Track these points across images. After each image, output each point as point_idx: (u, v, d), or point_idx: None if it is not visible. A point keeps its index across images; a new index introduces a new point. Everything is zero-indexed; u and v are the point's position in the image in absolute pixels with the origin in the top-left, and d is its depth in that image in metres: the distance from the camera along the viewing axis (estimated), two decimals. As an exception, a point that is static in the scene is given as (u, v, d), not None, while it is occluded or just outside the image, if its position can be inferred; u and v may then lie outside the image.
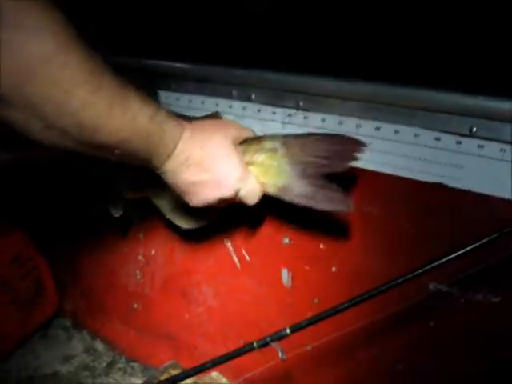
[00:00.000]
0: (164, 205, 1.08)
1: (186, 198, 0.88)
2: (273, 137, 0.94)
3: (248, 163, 0.91)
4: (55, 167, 1.17)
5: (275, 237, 1.12)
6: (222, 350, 0.92)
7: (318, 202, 0.92)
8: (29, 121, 0.63)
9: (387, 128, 0.96)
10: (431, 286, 0.95)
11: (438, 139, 0.92)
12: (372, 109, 0.97)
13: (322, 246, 1.06)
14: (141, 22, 1.28)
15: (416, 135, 0.93)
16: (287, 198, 0.93)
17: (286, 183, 0.92)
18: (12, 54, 0.56)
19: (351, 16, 1.03)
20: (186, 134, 0.83)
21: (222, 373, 1.26)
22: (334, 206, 0.93)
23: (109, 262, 1.46)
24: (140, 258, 1.38)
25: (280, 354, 0.80)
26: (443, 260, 0.80)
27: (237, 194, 0.88)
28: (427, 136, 0.92)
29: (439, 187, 0.92)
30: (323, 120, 1.02)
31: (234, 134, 0.89)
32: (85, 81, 0.63)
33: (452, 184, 0.91)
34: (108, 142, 0.71)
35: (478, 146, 0.89)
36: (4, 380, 1.42)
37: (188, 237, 1.26)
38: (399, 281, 0.82)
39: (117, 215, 1.08)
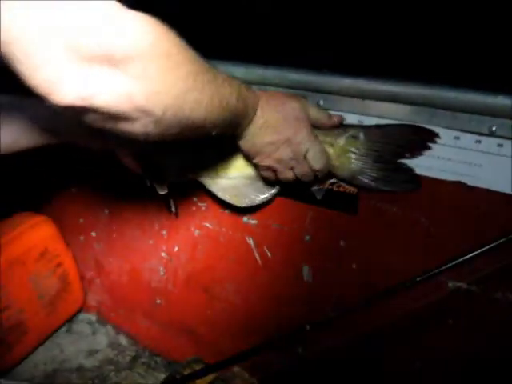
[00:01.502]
0: (217, 186, 1.11)
1: (260, 158, 0.97)
2: (356, 125, 1.00)
3: (328, 144, 0.98)
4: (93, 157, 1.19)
5: (296, 234, 1.13)
6: (243, 346, 0.94)
7: (389, 184, 0.99)
8: (148, 129, 0.67)
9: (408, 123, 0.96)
10: (450, 284, 0.96)
11: (457, 138, 0.92)
12: (392, 108, 0.97)
13: (342, 243, 1.07)
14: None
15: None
16: (357, 182, 1.00)
17: (359, 168, 0.99)
18: (137, 84, 0.60)
19: (373, 15, 1.03)
20: (262, 101, 0.91)
21: (244, 368, 1.28)
22: (404, 187, 0.98)
23: (132, 259, 1.48)
24: (163, 254, 1.40)
25: (300, 350, 0.82)
26: (462, 259, 0.81)
27: (305, 156, 0.95)
28: (447, 135, 0.93)
29: (459, 186, 0.92)
30: (344, 119, 1.02)
31: (303, 105, 0.96)
32: (194, 85, 0.68)
33: (471, 183, 0.91)
34: (210, 128, 0.77)
35: (498, 145, 0.89)
36: (31, 373, 1.45)
37: (210, 233, 1.28)
38: (419, 279, 0.83)
39: (162, 193, 1.11)
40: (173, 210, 1.23)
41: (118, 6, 0.59)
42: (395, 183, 0.98)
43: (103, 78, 0.58)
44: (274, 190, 1.09)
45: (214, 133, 0.79)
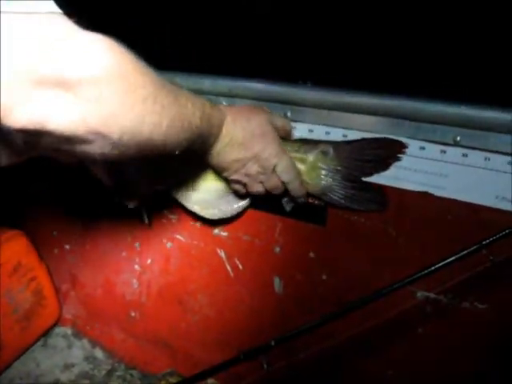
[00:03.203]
0: (188, 199, 1.10)
1: (228, 173, 0.97)
2: (326, 141, 1.00)
3: (299, 160, 0.99)
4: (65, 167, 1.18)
5: (266, 246, 1.13)
6: (218, 358, 0.94)
7: (356, 203, 0.99)
8: (105, 151, 0.66)
9: (377, 137, 0.96)
10: (419, 294, 0.96)
11: (422, 148, 0.93)
12: (358, 119, 0.98)
13: (311, 254, 1.08)
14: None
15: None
16: (325, 198, 1.01)
17: (329, 185, 0.99)
18: (92, 107, 0.60)
19: (334, 27, 1.03)
20: (228, 119, 0.90)
21: (219, 380, 1.27)
22: (370, 207, 0.99)
23: (106, 271, 1.48)
24: (136, 267, 1.39)
25: (265, 366, 0.81)
26: (429, 269, 0.81)
27: (274, 169, 0.95)
28: (412, 145, 0.93)
29: (425, 196, 0.93)
30: (311, 130, 1.03)
31: (268, 117, 0.96)
32: (152, 109, 0.67)
33: (438, 193, 0.92)
34: (171, 149, 0.76)
35: (463, 154, 0.89)
36: (6, 389, 1.44)
37: (182, 246, 1.27)
38: (386, 290, 0.83)
39: (132, 207, 1.10)
40: (146, 221, 1.23)
41: (72, 27, 0.59)
42: (362, 202, 0.99)
43: (56, 101, 0.57)
44: (244, 203, 1.09)
45: (176, 152, 0.78)
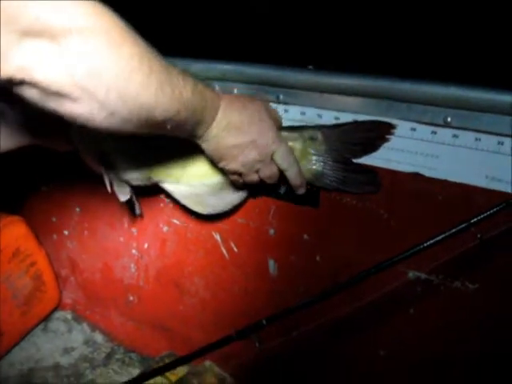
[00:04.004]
0: (180, 193, 1.10)
1: (225, 162, 0.95)
2: (313, 126, 1.00)
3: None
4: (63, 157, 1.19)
5: (261, 228, 1.14)
6: (215, 339, 0.95)
7: (349, 185, 1.00)
8: (93, 111, 0.66)
9: (364, 119, 0.97)
10: (411, 274, 0.97)
11: (413, 129, 0.94)
12: (349, 101, 0.98)
13: (305, 236, 1.09)
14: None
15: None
16: (318, 183, 1.01)
17: (321, 170, 1.00)
18: (76, 60, 0.61)
19: (324, 11, 1.04)
20: (225, 102, 0.89)
21: (215, 361, 1.29)
22: (363, 189, 1.00)
23: (105, 256, 1.49)
24: (134, 251, 1.41)
25: (257, 345, 0.82)
26: (418, 248, 0.81)
27: (271, 157, 0.94)
28: (403, 127, 0.94)
29: (417, 177, 0.93)
30: (303, 113, 1.03)
31: (265, 105, 0.95)
32: (139, 67, 0.67)
33: (429, 174, 0.92)
34: (162, 119, 0.75)
35: (453, 135, 0.90)
36: (7, 372, 1.45)
37: (178, 230, 1.28)
38: (375, 269, 0.84)
39: (124, 199, 1.11)
40: (137, 211, 1.23)
41: None
42: (356, 185, 0.99)
43: (42, 52, 0.59)
44: (236, 200, 1.10)
45: (168, 127, 0.78)
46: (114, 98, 0.65)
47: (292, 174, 0.97)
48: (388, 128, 0.94)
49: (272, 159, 0.94)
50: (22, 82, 0.60)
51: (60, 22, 0.58)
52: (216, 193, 1.07)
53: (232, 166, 0.94)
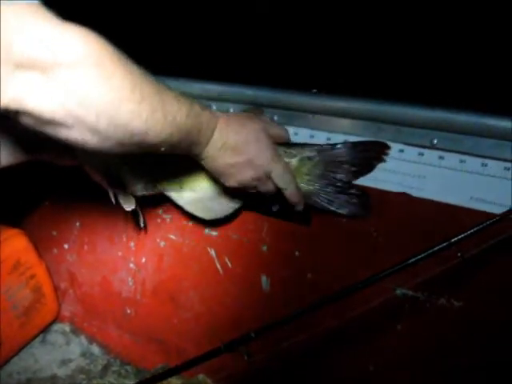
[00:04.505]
0: (184, 200, 1.12)
1: (223, 179, 0.97)
2: (311, 145, 1.01)
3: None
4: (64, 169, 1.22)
5: (254, 245, 1.17)
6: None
7: (340, 207, 1.02)
8: (86, 137, 0.69)
9: (360, 140, 1.00)
10: (398, 291, 0.99)
11: (401, 151, 0.97)
12: (341, 122, 1.02)
13: (297, 253, 1.11)
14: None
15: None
16: (309, 201, 1.02)
17: (313, 189, 1.01)
18: (67, 91, 0.63)
19: (317, 35, 1.07)
20: (221, 123, 0.90)
21: (208, 374, 1.31)
22: (354, 212, 1.02)
23: (103, 270, 1.51)
24: (132, 265, 1.43)
25: (246, 357, 0.85)
26: (401, 265, 0.84)
27: (269, 175, 0.95)
28: (392, 148, 0.97)
29: (404, 197, 0.96)
30: (296, 134, 1.07)
31: (263, 125, 0.96)
32: (130, 96, 0.69)
33: (416, 194, 0.95)
34: (155, 142, 0.77)
35: (439, 157, 0.93)
36: (5, 382, 1.47)
37: (174, 245, 1.31)
38: (362, 284, 0.86)
39: (129, 209, 1.13)
40: (141, 225, 1.26)
41: (51, 16, 0.63)
42: (346, 207, 1.01)
43: (34, 83, 0.61)
44: (236, 205, 1.11)
45: (162, 149, 0.80)
46: (105, 126, 0.68)
47: (289, 193, 0.98)
48: (384, 148, 0.97)
49: (269, 177, 0.96)
50: (16, 111, 0.63)
51: (50, 56, 0.61)
52: (217, 197, 1.09)
53: (230, 183, 0.96)
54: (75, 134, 0.68)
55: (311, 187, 1.02)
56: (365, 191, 1.01)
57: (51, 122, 0.66)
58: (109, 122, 0.68)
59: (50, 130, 0.68)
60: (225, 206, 1.11)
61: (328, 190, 1.01)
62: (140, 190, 1.11)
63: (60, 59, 0.62)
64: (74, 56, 0.63)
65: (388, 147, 0.97)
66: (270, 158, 0.94)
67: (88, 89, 0.64)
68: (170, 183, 1.11)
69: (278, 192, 0.99)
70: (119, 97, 0.68)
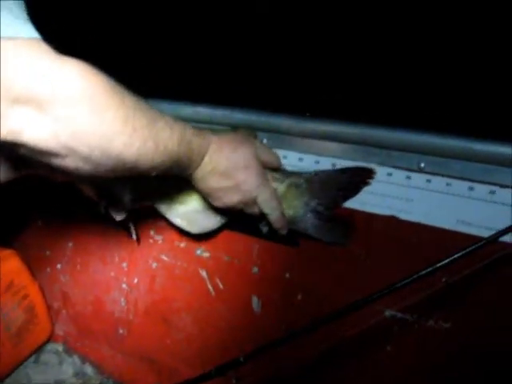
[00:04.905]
0: (172, 212, 1.14)
1: (210, 200, 1.01)
2: (299, 173, 1.03)
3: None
4: (56, 189, 1.23)
5: (245, 266, 1.18)
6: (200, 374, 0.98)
7: (321, 234, 1.03)
8: (79, 165, 0.71)
9: (343, 164, 1.03)
10: (387, 313, 1.00)
11: (390, 174, 0.98)
12: (330, 146, 1.03)
13: (287, 275, 1.12)
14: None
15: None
16: (293, 226, 1.04)
17: (297, 215, 1.03)
18: (61, 125, 0.65)
19: (306, 61, 1.09)
20: (213, 147, 0.93)
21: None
22: (334, 240, 1.04)
23: (96, 290, 1.52)
24: (124, 286, 1.44)
25: (234, 382, 0.85)
26: (389, 288, 0.85)
27: (255, 201, 0.98)
28: (380, 171, 0.98)
29: (392, 219, 0.97)
30: (285, 157, 1.08)
31: (255, 150, 0.98)
32: (122, 129, 0.71)
33: (404, 216, 0.97)
34: (146, 169, 0.80)
35: (426, 180, 0.95)
36: (-2, 403, 1.47)
37: (166, 266, 1.32)
38: (351, 307, 0.87)
39: (119, 219, 1.14)
40: (133, 236, 1.27)
41: (48, 51, 0.65)
42: (327, 235, 1.03)
43: (29, 117, 0.63)
44: (223, 220, 1.13)
45: (153, 173, 0.82)
46: (98, 156, 0.70)
47: (273, 218, 1.01)
48: (369, 173, 0.97)
49: (255, 202, 0.98)
50: (13, 143, 0.65)
51: (47, 92, 0.63)
52: (205, 211, 1.11)
53: (217, 203, 1.00)
54: (69, 163, 0.70)
55: (295, 214, 1.03)
56: (346, 221, 1.02)
57: (45, 153, 0.67)
58: (101, 153, 0.70)
59: (44, 159, 0.69)
60: (212, 221, 1.13)
61: (312, 217, 1.02)
62: (130, 202, 1.12)
63: (56, 95, 0.63)
64: (69, 92, 0.65)
65: (374, 172, 0.97)
66: (257, 184, 0.96)
67: (81, 123, 0.66)
68: (159, 196, 1.12)
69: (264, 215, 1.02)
70: (112, 130, 0.70)
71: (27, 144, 0.65)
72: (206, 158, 0.92)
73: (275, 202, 1.00)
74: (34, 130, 0.64)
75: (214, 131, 0.99)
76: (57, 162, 0.70)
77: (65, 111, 0.64)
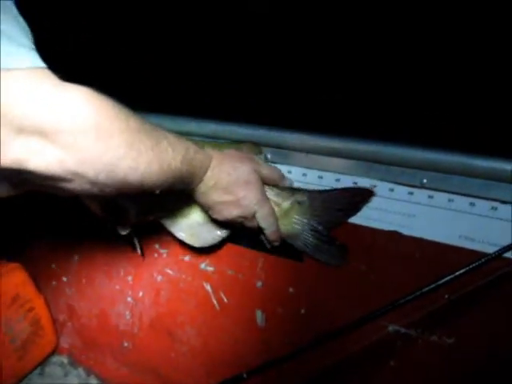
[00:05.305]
0: (176, 226, 1.15)
1: (211, 213, 1.03)
2: (303, 190, 1.05)
3: (275, 203, 1.04)
4: (63, 203, 1.24)
5: (249, 280, 1.19)
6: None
7: (318, 253, 1.05)
8: (85, 188, 0.72)
9: (346, 179, 1.03)
10: (390, 328, 1.01)
11: (392, 190, 0.98)
12: (333, 162, 1.04)
13: (291, 289, 1.13)
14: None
15: (372, 186, 1.00)
16: (291, 241, 1.07)
17: (297, 232, 1.05)
18: (66, 153, 0.66)
19: (310, 77, 1.10)
20: (214, 163, 0.95)
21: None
22: (330, 260, 1.06)
23: (101, 303, 1.53)
24: (129, 299, 1.45)
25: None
26: (393, 305, 0.86)
27: (254, 215, 1.01)
28: (382, 187, 0.99)
29: (395, 235, 0.98)
30: (289, 172, 1.08)
31: (255, 166, 1.01)
32: (127, 154, 0.72)
33: (406, 232, 0.97)
34: (150, 188, 0.81)
35: (428, 196, 0.95)
36: (3, 416, 1.48)
37: (171, 279, 1.33)
38: (356, 323, 0.88)
39: (124, 233, 1.15)
40: (138, 250, 1.28)
41: (53, 81, 0.65)
42: (324, 254, 1.05)
43: (35, 146, 0.64)
44: (224, 235, 1.14)
45: (157, 192, 0.83)
46: (104, 179, 0.71)
47: (269, 232, 1.04)
48: (369, 194, 1.00)
49: (254, 217, 1.01)
50: (18, 170, 0.65)
51: (50, 122, 0.64)
52: (207, 225, 1.12)
53: (217, 216, 1.02)
54: (74, 186, 0.71)
55: (296, 230, 1.05)
56: (344, 243, 1.03)
57: (50, 178, 0.68)
58: (107, 176, 0.71)
59: (49, 183, 0.70)
60: (213, 235, 1.14)
61: (311, 235, 1.05)
62: (134, 217, 1.13)
63: (61, 124, 0.64)
64: (74, 120, 0.65)
65: (374, 193, 1.00)
66: (256, 200, 0.99)
67: (88, 150, 0.67)
68: (163, 210, 1.13)
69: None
70: (118, 155, 0.71)
71: (32, 171, 0.66)
72: (208, 174, 0.95)
73: (272, 218, 1.02)
74: (40, 158, 0.65)
75: (214, 145, 1.00)
76: (62, 185, 0.70)
77: (71, 139, 0.65)
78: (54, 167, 0.66)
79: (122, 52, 1.34)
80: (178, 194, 1.03)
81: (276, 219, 1.03)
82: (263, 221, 1.01)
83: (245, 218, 1.01)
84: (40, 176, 0.67)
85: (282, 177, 1.07)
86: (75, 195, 1.02)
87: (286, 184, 1.07)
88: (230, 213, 1.00)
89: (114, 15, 1.38)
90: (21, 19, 0.66)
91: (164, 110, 1.20)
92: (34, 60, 0.65)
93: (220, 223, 1.09)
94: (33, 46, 0.66)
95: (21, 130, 0.62)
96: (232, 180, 0.97)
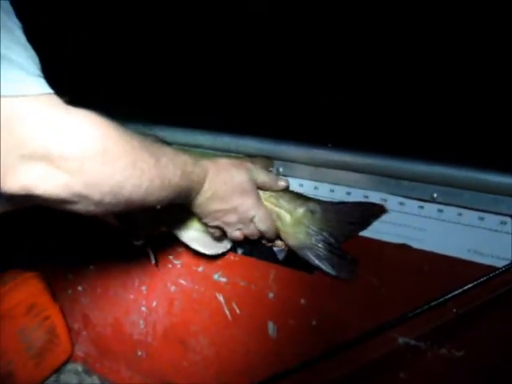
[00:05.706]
0: (186, 235, 1.18)
1: (207, 220, 1.05)
2: (317, 200, 1.07)
3: (287, 211, 1.07)
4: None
5: (261, 291, 1.20)
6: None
7: (329, 266, 1.05)
8: (91, 209, 0.73)
9: (357, 193, 1.04)
10: (400, 340, 1.02)
11: (402, 204, 1.00)
12: (343, 175, 1.05)
13: (302, 301, 1.14)
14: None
15: (383, 200, 1.01)
16: (301, 253, 1.07)
17: (307, 242, 1.06)
18: (73, 178, 0.68)
19: (320, 91, 1.11)
20: (211, 174, 0.97)
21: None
22: (340, 273, 1.05)
23: (116, 312, 1.55)
24: (143, 308, 1.47)
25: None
26: (403, 317, 0.87)
27: (252, 220, 1.04)
28: (392, 201, 1.00)
29: (405, 248, 0.99)
30: (301, 185, 1.10)
31: (249, 174, 1.03)
32: (132, 174, 0.75)
33: (416, 245, 0.98)
34: (152, 204, 0.84)
35: (438, 210, 0.96)
36: (19, 423, 1.50)
37: (184, 290, 1.34)
38: (367, 335, 0.90)
39: (138, 243, 1.18)
40: (153, 260, 1.31)
41: (59, 107, 0.67)
42: (334, 267, 1.05)
43: (42, 172, 0.66)
44: (228, 245, 1.19)
45: (158, 207, 0.86)
46: (109, 200, 0.73)
47: (270, 235, 1.08)
48: (381, 210, 1.01)
49: (252, 221, 1.04)
50: (27, 196, 0.67)
51: (58, 148, 0.65)
52: (208, 236, 1.15)
53: (214, 223, 1.05)
54: (79, 207, 0.73)
55: (306, 240, 1.06)
56: (355, 258, 1.04)
57: (57, 201, 0.70)
58: (112, 197, 0.73)
59: (56, 205, 0.72)
60: (223, 243, 1.18)
61: (322, 246, 1.05)
62: (148, 229, 1.16)
63: (68, 150, 0.66)
64: (81, 146, 0.67)
65: (385, 210, 1.01)
66: (252, 206, 1.02)
67: (94, 174, 0.69)
68: (175, 222, 1.16)
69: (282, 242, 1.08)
70: (122, 177, 0.73)
71: (40, 196, 0.67)
72: (206, 185, 0.97)
73: (270, 221, 1.05)
74: (48, 184, 0.67)
75: (208, 156, 1.03)
76: (68, 207, 0.72)
77: (77, 165, 0.67)
78: (61, 191, 0.68)
79: (122, 52, 1.36)
80: (182, 208, 1.06)
81: (273, 220, 1.06)
82: (262, 224, 1.04)
83: (242, 223, 1.04)
84: (46, 200, 0.69)
85: (277, 181, 1.08)
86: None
87: (281, 187, 1.08)
88: (228, 219, 1.03)
89: (114, 15, 1.39)
90: (29, 47, 0.68)
91: (176, 123, 1.22)
92: (42, 87, 0.66)
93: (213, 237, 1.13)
94: (41, 74, 0.67)
95: (29, 157, 0.64)
96: (228, 190, 1.00)
